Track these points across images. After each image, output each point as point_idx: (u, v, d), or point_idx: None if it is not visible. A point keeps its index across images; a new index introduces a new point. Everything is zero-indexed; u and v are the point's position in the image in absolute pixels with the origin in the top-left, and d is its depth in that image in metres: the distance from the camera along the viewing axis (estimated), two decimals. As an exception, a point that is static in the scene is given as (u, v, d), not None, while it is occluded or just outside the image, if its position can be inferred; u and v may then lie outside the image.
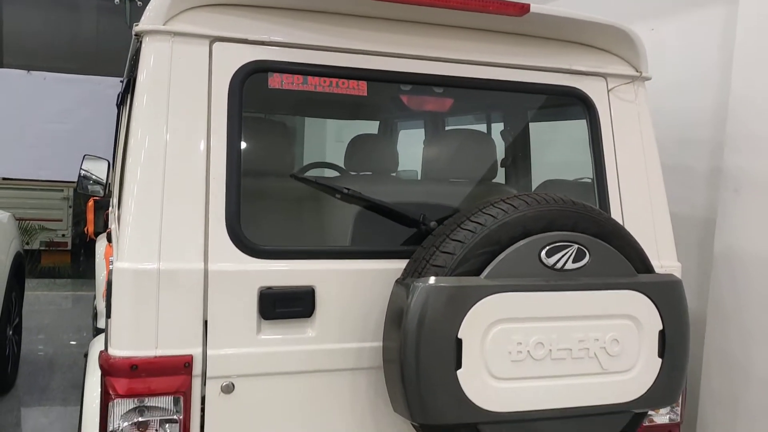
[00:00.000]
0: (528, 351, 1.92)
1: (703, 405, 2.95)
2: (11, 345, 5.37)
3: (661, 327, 2.05)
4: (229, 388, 1.96)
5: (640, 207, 2.44)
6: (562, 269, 1.96)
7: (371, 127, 3.61)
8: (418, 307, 1.82)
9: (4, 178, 9.94)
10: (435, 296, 1.83)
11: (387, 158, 2.98)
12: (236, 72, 2.04)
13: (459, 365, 1.85)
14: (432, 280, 1.85)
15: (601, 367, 1.99)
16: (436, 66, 2.24)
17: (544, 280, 1.93)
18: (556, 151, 3.15)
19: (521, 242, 1.93)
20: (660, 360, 2.05)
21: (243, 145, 2.04)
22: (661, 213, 2.47)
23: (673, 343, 2.07)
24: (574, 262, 1.97)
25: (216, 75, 2.01)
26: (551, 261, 1.95)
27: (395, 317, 1.89)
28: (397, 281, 1.96)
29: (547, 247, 1.95)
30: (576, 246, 1.97)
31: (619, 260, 2.03)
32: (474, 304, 1.85)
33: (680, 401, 2.45)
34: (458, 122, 3.23)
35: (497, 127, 3.37)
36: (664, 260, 2.44)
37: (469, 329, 1.85)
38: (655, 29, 3.44)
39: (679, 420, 2.46)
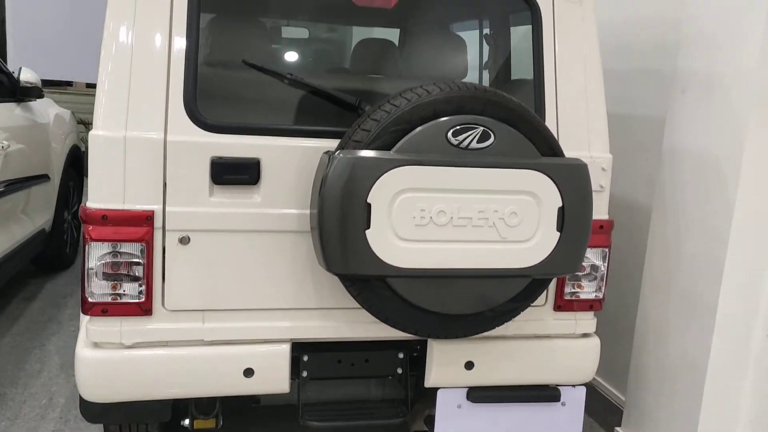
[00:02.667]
0: (431, 217, 2.22)
1: (644, 288, 3.19)
2: (70, 228, 6.01)
3: (560, 204, 2.30)
4: (185, 240, 2.35)
5: (575, 104, 2.65)
6: (467, 148, 2.23)
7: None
8: (333, 175, 2.14)
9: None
10: (348, 166, 2.14)
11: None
12: None
13: (368, 226, 2.17)
14: (346, 152, 2.16)
15: (499, 235, 2.27)
16: None
17: (448, 156, 2.20)
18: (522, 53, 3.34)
19: (429, 123, 2.20)
20: (558, 233, 2.31)
21: (201, 36, 2.37)
22: (596, 110, 2.67)
23: (572, 220, 2.32)
24: (478, 142, 2.23)
25: None
26: (457, 140, 2.22)
27: (318, 184, 2.22)
28: (323, 153, 2.27)
29: (454, 128, 2.21)
30: (481, 128, 2.23)
31: (523, 143, 2.28)
32: (382, 174, 2.15)
33: (603, 280, 2.72)
34: (418, 25, 3.45)
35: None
36: (594, 151, 2.67)
37: (378, 196, 2.16)
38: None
39: (601, 297, 2.73)
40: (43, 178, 5.19)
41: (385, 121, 2.19)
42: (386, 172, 2.16)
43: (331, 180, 2.14)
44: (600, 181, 2.66)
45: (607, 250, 2.71)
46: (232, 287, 2.41)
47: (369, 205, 2.17)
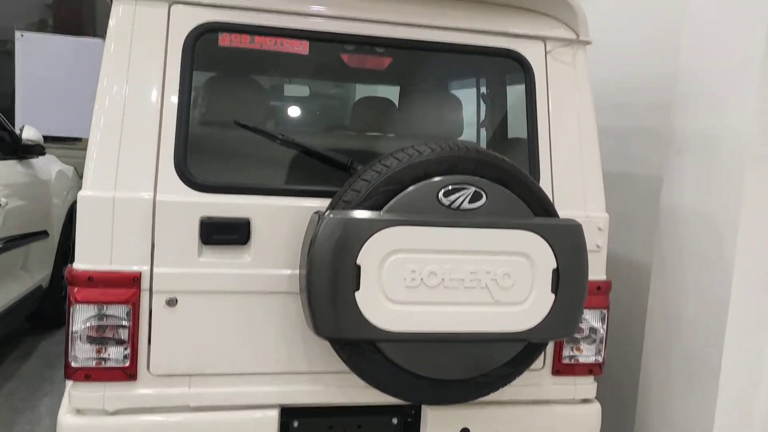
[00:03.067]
0: (422, 279, 2.17)
1: (646, 351, 3.11)
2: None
3: (555, 266, 2.25)
4: (172, 302, 2.30)
5: (570, 163, 2.63)
6: (458, 208, 2.19)
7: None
8: (322, 236, 2.11)
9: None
10: (337, 226, 2.10)
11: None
12: (190, 32, 2.35)
13: (357, 288, 2.13)
14: (336, 213, 2.13)
15: (492, 297, 2.22)
16: (375, 28, 2.48)
17: (438, 216, 2.17)
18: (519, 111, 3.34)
19: (420, 183, 2.17)
20: (553, 295, 2.26)
21: (194, 94, 2.37)
22: (592, 169, 2.65)
23: (568, 281, 2.27)
24: (470, 202, 2.20)
25: (172, 34, 2.33)
26: (448, 201, 2.19)
27: (307, 245, 2.18)
28: (313, 213, 2.24)
29: (445, 188, 2.18)
30: (473, 189, 2.20)
31: (516, 203, 2.25)
32: (372, 234, 2.12)
33: (603, 343, 2.65)
34: (414, 83, 3.47)
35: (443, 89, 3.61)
36: (590, 210, 2.63)
37: (368, 257, 2.12)
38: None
39: (601, 360, 2.66)
40: (42, 234, 5.17)
41: (376, 182, 2.17)
42: (376, 232, 2.12)
43: (320, 240, 2.11)
44: (596, 240, 2.62)
45: (605, 311, 2.65)
46: (220, 350, 2.35)
47: (358, 267, 2.12)
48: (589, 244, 2.57)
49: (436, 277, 2.18)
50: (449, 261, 2.18)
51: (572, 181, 2.63)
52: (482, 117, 3.58)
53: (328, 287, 2.11)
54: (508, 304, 2.24)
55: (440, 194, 2.18)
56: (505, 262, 2.22)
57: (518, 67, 2.66)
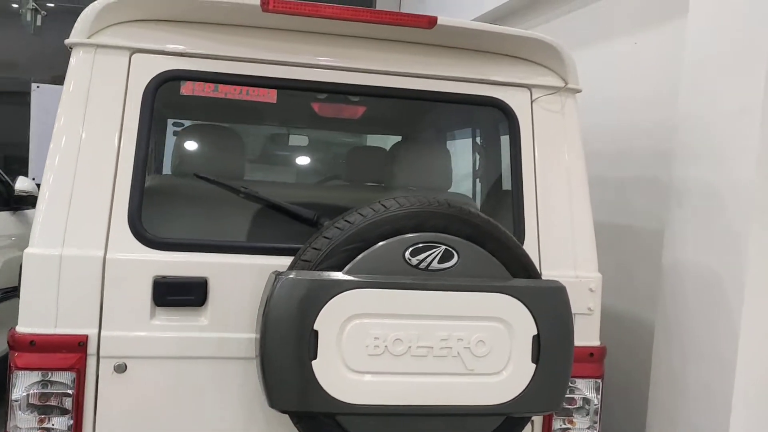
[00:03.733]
0: (386, 346, 1.98)
1: (651, 416, 2.86)
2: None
3: (535, 332, 2.05)
4: (121, 368, 2.13)
5: (559, 219, 2.45)
6: (426, 269, 2.01)
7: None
8: (277, 297, 1.93)
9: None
10: (293, 288, 1.93)
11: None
12: (151, 80, 2.23)
13: (315, 356, 1.94)
14: (292, 273, 1.96)
15: (465, 367, 2.02)
16: (347, 75, 2.35)
17: (405, 278, 1.99)
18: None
19: (384, 242, 2.00)
20: (534, 365, 2.05)
21: (152, 145, 2.23)
22: (582, 225, 2.46)
23: (550, 349, 2.06)
24: (440, 262, 2.02)
25: (132, 83, 2.21)
26: (416, 260, 2.01)
27: (262, 307, 2.00)
28: (271, 273, 2.07)
29: (412, 247, 2.01)
30: (443, 247, 2.02)
31: (491, 263, 2.06)
32: (331, 297, 1.94)
33: (598, 414, 2.42)
34: (394, 133, 3.32)
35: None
36: (581, 270, 2.43)
37: (326, 322, 1.94)
38: (638, 43, 3.40)
39: (595, 434, 2.43)
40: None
41: (338, 239, 2.00)
42: (336, 295, 1.95)
43: (275, 302, 1.94)
44: (587, 303, 2.41)
45: (599, 381, 2.43)
46: (173, 421, 2.17)
47: (316, 332, 1.94)
48: (580, 307, 2.38)
49: (402, 345, 1.98)
50: (417, 327, 1.99)
51: (561, 239, 2.44)
52: (477, 168, 3.43)
53: (282, 354, 1.93)
54: (484, 374, 2.03)
55: (407, 253, 2.01)
56: (480, 328, 2.03)
57: (501, 116, 2.50)
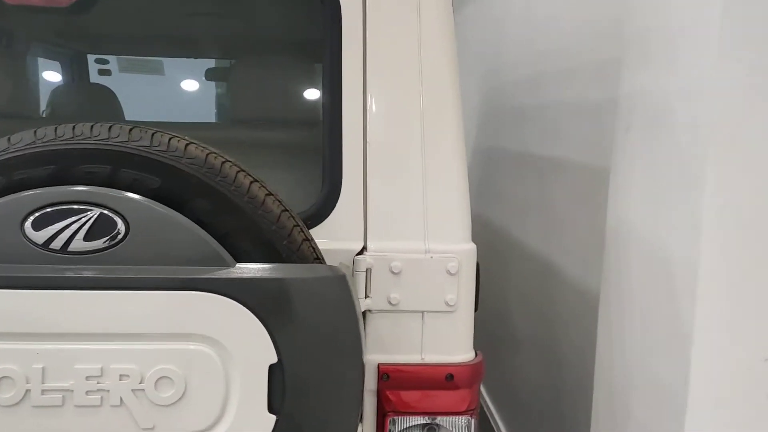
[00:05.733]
0: (-15, 391, 1.12)
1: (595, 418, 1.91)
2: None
3: (275, 359, 1.14)
4: None
5: (401, 163, 1.51)
6: (61, 251, 1.13)
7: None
8: None
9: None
10: None
11: None
12: None
13: None
14: None
15: (137, 424, 1.13)
16: None
17: (18, 268, 1.11)
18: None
19: (-11, 204, 1.12)
20: (273, 417, 1.15)
21: None
22: (444, 173, 1.51)
23: (306, 388, 1.16)
24: (89, 239, 1.13)
25: None
26: (42, 236, 1.12)
27: None
28: None
29: (37, 214, 1.12)
30: (96, 211, 1.13)
31: (194, 239, 1.16)
32: None
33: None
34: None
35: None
36: (436, 242, 1.49)
37: None
38: None
39: None
40: None
41: None
42: None
43: None
44: (445, 294, 1.48)
45: (470, 418, 1.50)
46: None
47: None
48: (433, 301, 1.47)
49: (13, 388, 1.11)
50: (43, 355, 1.12)
51: (403, 194, 1.50)
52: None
53: None
54: (173, 435, 1.15)
55: (27, 224, 1.13)
56: (164, 354, 1.13)
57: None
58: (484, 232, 3.60)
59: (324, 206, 1.48)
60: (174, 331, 1.13)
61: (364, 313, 1.46)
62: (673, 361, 1.48)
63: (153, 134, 1.18)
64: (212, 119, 2.63)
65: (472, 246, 1.51)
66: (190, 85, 2.46)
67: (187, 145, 1.19)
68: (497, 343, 3.37)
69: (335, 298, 1.18)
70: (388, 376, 1.46)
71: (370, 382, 1.46)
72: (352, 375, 1.19)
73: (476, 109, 4.09)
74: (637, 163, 1.62)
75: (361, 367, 1.20)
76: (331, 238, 1.46)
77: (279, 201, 1.24)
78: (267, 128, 1.79)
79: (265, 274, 1.15)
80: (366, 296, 1.45)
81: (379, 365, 1.47)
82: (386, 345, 1.48)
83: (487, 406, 3.66)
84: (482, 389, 3.68)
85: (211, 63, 2.68)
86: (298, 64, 2.04)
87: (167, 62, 2.74)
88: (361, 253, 1.46)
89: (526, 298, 3.03)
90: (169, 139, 1.18)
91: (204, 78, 2.62)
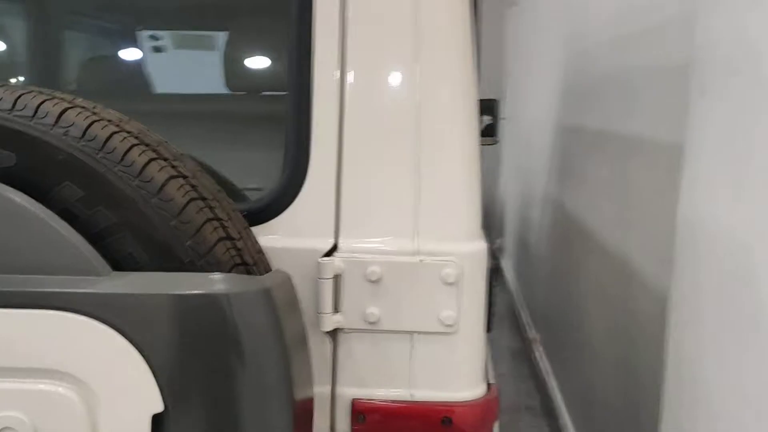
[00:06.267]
0: None
1: None
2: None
3: (160, 407, 0.83)
4: None
5: (382, 140, 1.15)
6: None
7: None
8: None
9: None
10: None
11: None
12: None
13: None
14: None
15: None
16: None
17: None
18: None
19: None
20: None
21: None
22: (445, 155, 1.15)
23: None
24: None
25: None
26: None
27: None
28: None
29: None
30: None
31: (54, 238, 0.85)
32: None
33: None
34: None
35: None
36: (429, 241, 1.13)
37: None
38: None
39: None
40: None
41: None
42: None
43: None
44: (439, 310, 1.11)
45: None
46: None
47: None
48: (424, 321, 1.14)
49: None
50: None
51: (392, 177, 1.14)
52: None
53: None
54: None
55: None
56: (6, 397, 0.84)
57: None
58: (563, 220, 3.18)
59: (285, 193, 1.14)
60: (19, 365, 0.83)
61: (334, 332, 1.12)
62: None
63: (20, 95, 0.89)
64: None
65: (480, 246, 1.13)
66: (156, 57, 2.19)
67: (65, 110, 0.89)
68: (567, 333, 2.95)
69: (251, 321, 0.85)
70: (363, 417, 1.11)
71: (341, 424, 1.12)
72: (277, 424, 0.86)
73: (560, 79, 3.63)
74: (712, 139, 1.18)
75: (290, 411, 0.87)
76: (291, 234, 1.12)
77: (192, 187, 0.91)
78: (221, 100, 1.47)
79: (146, 289, 0.83)
80: (335, 311, 1.11)
81: (353, 402, 1.12)
82: (363, 375, 1.13)
83: (558, 403, 3.24)
84: (554, 385, 3.25)
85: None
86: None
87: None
88: (330, 254, 1.11)
89: (598, 294, 2.62)
90: (41, 103, 0.88)
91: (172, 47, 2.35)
